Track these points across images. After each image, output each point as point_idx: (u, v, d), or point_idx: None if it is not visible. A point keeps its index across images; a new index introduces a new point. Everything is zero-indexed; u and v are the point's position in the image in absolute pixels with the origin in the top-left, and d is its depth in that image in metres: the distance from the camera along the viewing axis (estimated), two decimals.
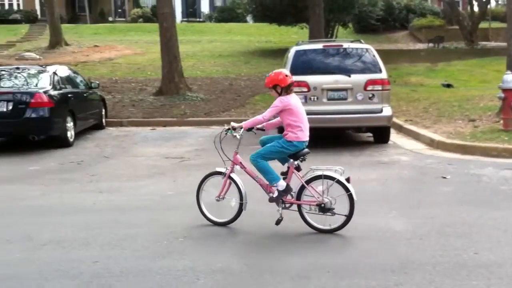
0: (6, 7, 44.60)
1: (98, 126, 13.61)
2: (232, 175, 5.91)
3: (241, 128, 5.77)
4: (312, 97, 10.12)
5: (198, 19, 46.40)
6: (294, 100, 5.74)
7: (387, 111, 10.25)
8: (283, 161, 5.86)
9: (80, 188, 7.97)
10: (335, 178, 5.49)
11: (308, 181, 5.61)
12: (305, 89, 10.08)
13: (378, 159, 9.53)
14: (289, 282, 4.51)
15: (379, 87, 10.16)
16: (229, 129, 5.85)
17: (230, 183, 5.92)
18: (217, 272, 4.73)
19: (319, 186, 5.57)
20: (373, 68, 10.29)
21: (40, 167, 9.50)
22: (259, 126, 5.88)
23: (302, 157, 5.71)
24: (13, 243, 5.61)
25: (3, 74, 12.02)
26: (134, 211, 6.70)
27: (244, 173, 5.95)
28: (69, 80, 12.42)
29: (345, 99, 10.16)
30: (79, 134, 12.11)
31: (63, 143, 11.17)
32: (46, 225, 6.22)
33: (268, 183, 5.74)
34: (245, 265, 4.87)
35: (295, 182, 5.72)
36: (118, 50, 28.11)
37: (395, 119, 11.94)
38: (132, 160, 10.03)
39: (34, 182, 8.36)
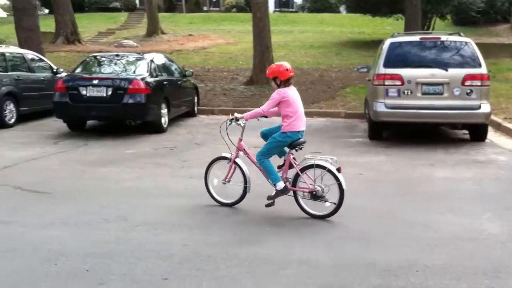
0: None
1: (190, 114, 13.98)
2: (237, 160, 6.37)
3: (243, 118, 6.22)
4: (405, 91, 9.87)
5: (290, 9, 46.39)
6: (291, 92, 6.01)
7: (485, 107, 9.81)
8: (280, 154, 6.23)
9: (173, 173, 8.24)
10: (326, 167, 5.80)
11: (303, 169, 5.94)
12: (398, 83, 9.84)
13: (474, 157, 9.16)
14: (375, 278, 4.45)
15: (478, 83, 9.74)
16: (232, 119, 6.29)
17: (235, 168, 6.36)
18: (302, 263, 4.74)
19: (311, 174, 5.90)
20: (472, 62, 9.87)
21: (135, 150, 9.89)
22: (239, 116, 6.28)
23: (298, 147, 6.03)
24: (110, 222, 5.90)
25: (103, 61, 12.60)
26: None
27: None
28: (165, 68, 12.82)
29: (441, 94, 9.83)
30: (172, 121, 12.48)
31: (158, 129, 11.56)
32: (140, 207, 6.49)
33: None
34: (331, 259, 4.85)
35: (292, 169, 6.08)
36: (211, 40, 28.65)
37: (493, 117, 11.42)
38: (222, 148, 10.16)
39: (130, 165, 8.72)
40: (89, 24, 32.95)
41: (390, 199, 6.80)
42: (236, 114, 6.28)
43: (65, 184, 7.52)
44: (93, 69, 12.17)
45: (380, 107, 9.92)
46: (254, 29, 17.06)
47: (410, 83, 9.84)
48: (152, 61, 12.11)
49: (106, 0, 45.30)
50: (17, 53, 13.60)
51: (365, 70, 12.09)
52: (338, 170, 5.81)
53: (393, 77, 9.82)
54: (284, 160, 6.18)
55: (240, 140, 6.39)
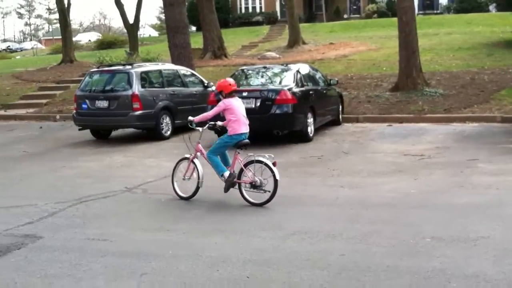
0: (250, 10, 48.08)
1: (335, 122, 13.90)
2: (195, 160, 7.37)
3: (193, 121, 7.46)
4: None
5: (435, 11, 44.60)
6: (235, 102, 7.25)
7: None
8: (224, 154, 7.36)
9: (322, 182, 8.23)
10: (263, 162, 6.93)
11: (246, 165, 7.01)
12: None
13: None
14: None
15: None
16: (191, 121, 7.50)
17: (193, 166, 7.35)
18: (470, 277, 4.48)
19: (252, 168, 7.00)
20: None
21: (283, 160, 9.98)
22: (220, 124, 7.39)
23: (242, 147, 7.15)
24: (266, 230, 6.00)
25: (251, 73, 12.96)
26: (377, 208, 6.69)
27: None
28: (310, 78, 12.89)
29: None
30: (317, 130, 12.48)
31: (304, 138, 11.63)
32: (294, 215, 6.55)
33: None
34: (502, 273, 4.53)
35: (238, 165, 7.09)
36: (352, 47, 28.31)
37: None
38: (371, 156, 10.03)
39: (280, 174, 8.80)
40: (233, 39, 34.15)
41: None
42: (190, 118, 7.53)
43: (218, 193, 7.74)
44: (242, 82, 12.54)
45: None
46: (400, 34, 16.57)
47: None
48: (298, 71, 12.23)
49: (249, 15, 46.75)
50: (172, 69, 14.46)
51: None
52: (274, 164, 6.90)
53: None
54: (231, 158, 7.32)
55: (198, 143, 7.44)
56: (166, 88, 13.31)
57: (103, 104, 12.48)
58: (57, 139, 13.61)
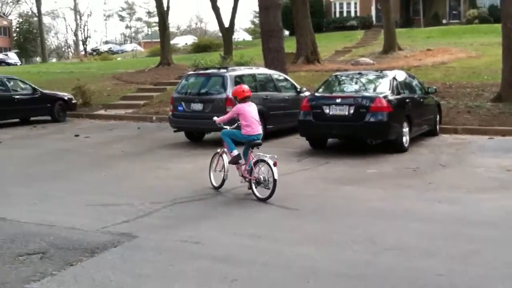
0: (345, 14, 47.58)
1: (432, 132, 13.39)
2: (223, 155, 8.32)
3: (216, 121, 8.46)
4: None
5: None
6: (247, 107, 8.04)
7: None
8: (243, 155, 8.12)
9: (418, 195, 7.91)
10: (265, 161, 7.62)
11: (255, 163, 7.77)
12: None
13: None
14: None
15: None
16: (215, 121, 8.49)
17: (222, 161, 8.29)
18: None
19: (258, 166, 7.74)
20: None
21: (377, 170, 9.77)
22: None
23: (255, 146, 7.96)
24: (358, 244, 5.83)
25: (345, 80, 12.75)
26: (478, 226, 6.34)
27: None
28: (406, 85, 12.50)
29: None
30: (413, 140, 12.05)
31: (398, 148, 11.27)
32: (387, 229, 6.33)
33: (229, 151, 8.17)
34: None
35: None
36: (451, 54, 27.28)
37: None
38: (471, 170, 9.56)
39: (373, 185, 8.61)
40: (326, 44, 33.92)
41: None
42: (215, 118, 8.52)
43: (310, 202, 7.71)
44: (335, 88, 12.37)
45: None
46: (504, 41, 15.72)
47: None
48: (394, 78, 11.88)
49: (344, 19, 46.27)
50: (265, 73, 14.53)
51: None
52: (274, 164, 7.52)
53: None
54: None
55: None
56: (259, 93, 13.32)
57: (198, 107, 12.71)
58: (153, 139, 14.06)
